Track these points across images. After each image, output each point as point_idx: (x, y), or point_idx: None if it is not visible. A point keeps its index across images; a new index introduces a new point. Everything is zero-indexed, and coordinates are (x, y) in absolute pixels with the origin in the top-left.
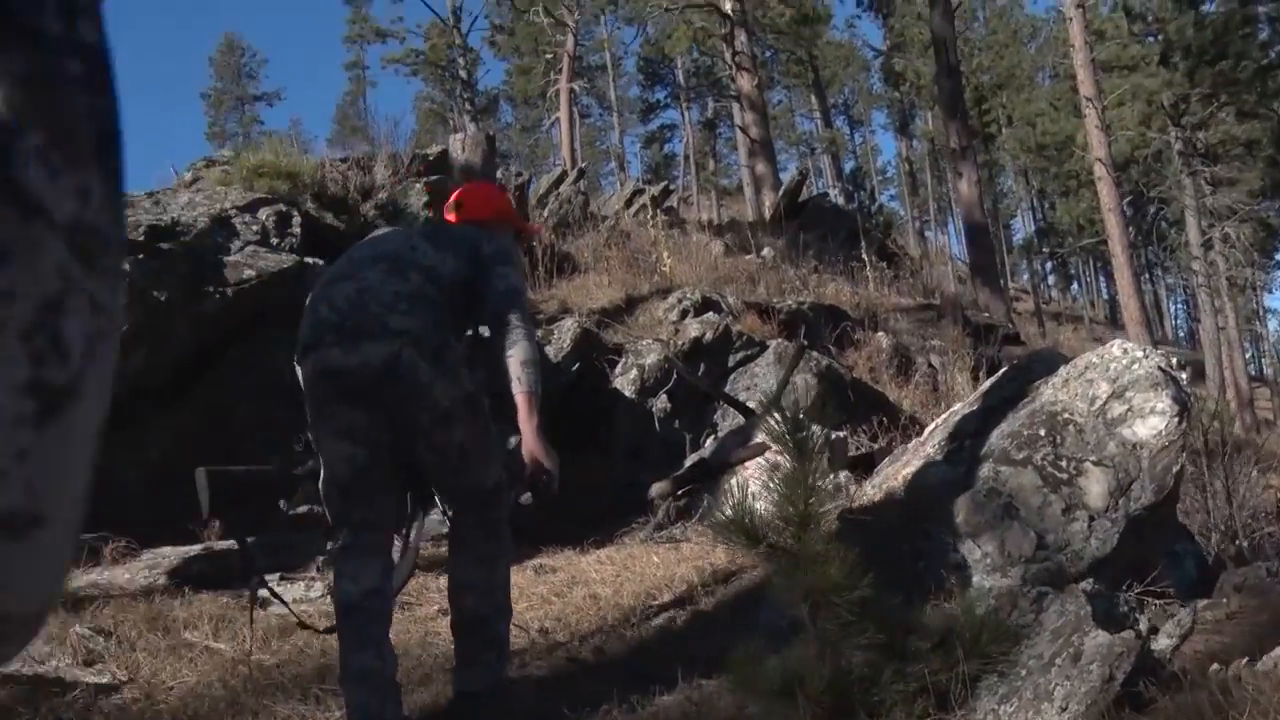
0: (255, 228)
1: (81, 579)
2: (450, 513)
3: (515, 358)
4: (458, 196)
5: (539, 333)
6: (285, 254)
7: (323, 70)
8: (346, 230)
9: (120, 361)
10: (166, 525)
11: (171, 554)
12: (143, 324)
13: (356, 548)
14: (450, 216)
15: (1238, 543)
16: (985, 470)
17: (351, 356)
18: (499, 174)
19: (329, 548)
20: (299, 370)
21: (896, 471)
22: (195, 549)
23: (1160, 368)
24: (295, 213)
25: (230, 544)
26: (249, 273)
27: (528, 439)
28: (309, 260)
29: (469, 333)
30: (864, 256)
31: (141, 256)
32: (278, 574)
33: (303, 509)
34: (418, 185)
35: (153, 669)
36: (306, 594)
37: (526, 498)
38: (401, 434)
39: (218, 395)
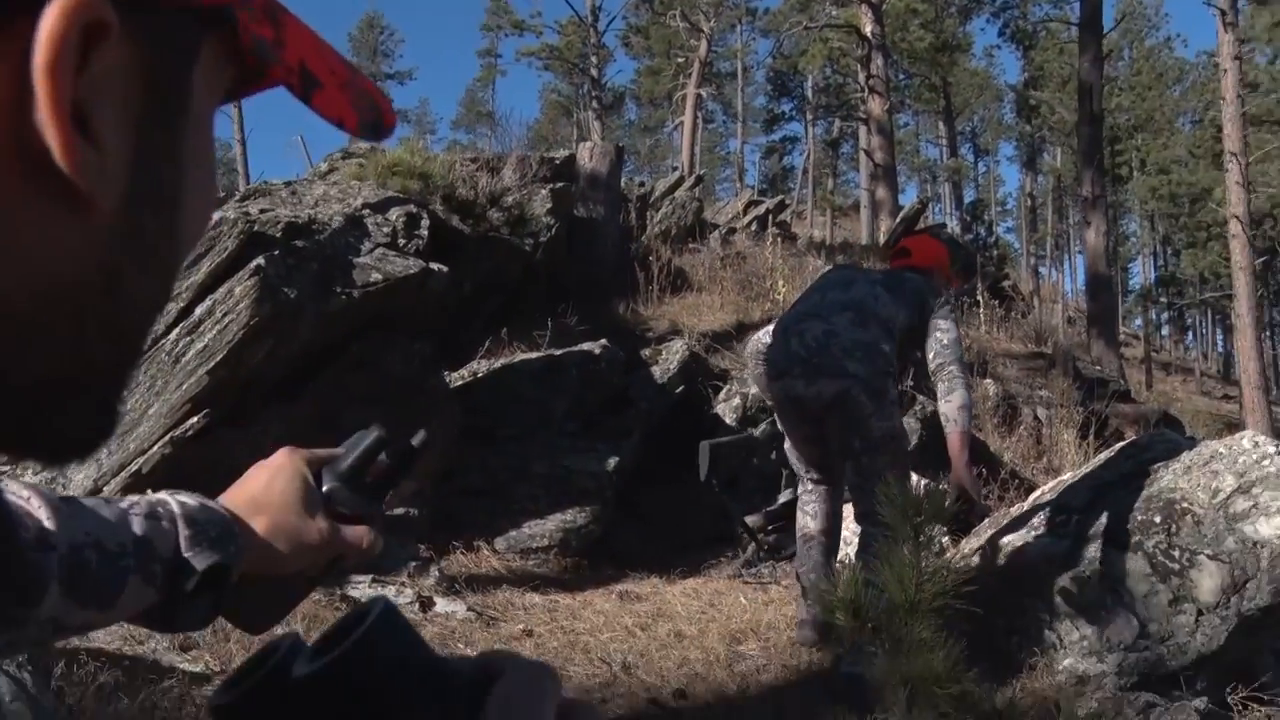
0: (386, 229)
1: None
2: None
3: (953, 403)
4: (905, 244)
5: (647, 351)
6: (411, 258)
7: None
8: (471, 235)
9: (243, 355)
10: None
11: None
12: (270, 320)
13: (817, 493)
14: (896, 261)
15: None
16: (1091, 550)
17: (810, 389)
18: (623, 183)
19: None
20: (768, 386)
21: (997, 537)
22: None
23: None
24: (424, 215)
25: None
26: (376, 276)
27: (958, 470)
28: (433, 266)
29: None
30: (978, 297)
31: (277, 252)
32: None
33: (399, 510)
34: (543, 191)
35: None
36: (396, 598)
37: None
38: (838, 452)
39: (330, 394)
